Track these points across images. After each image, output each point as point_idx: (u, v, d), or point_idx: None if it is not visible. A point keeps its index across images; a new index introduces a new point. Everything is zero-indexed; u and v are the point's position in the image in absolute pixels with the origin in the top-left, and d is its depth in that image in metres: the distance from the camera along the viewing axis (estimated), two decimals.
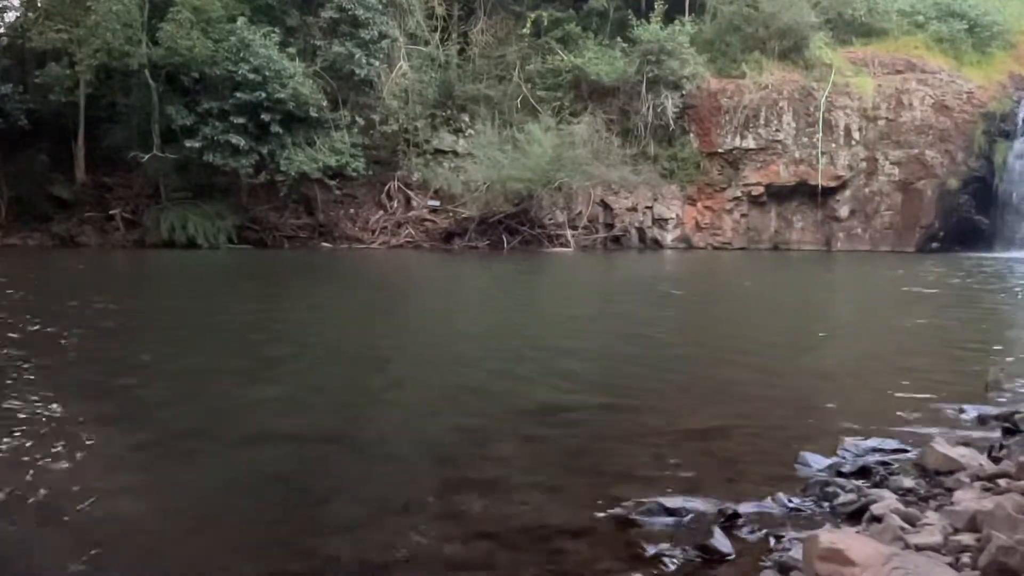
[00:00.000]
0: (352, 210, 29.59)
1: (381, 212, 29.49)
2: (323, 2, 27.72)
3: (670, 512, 3.26)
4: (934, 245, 28.47)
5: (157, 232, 26.06)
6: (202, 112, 25.59)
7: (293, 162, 26.13)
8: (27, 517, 3.22)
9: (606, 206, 29.26)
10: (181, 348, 7.73)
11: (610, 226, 29.32)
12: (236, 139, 25.25)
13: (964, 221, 28.28)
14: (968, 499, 3.14)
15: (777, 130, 29.61)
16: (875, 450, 4.07)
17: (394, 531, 3.14)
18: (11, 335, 7.81)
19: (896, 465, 3.85)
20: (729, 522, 3.16)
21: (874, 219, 29.39)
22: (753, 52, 30.51)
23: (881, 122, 29.23)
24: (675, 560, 2.88)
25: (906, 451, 4.06)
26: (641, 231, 29.55)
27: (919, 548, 2.70)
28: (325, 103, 27.17)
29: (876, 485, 3.55)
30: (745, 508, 3.29)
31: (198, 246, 25.68)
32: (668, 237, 29.58)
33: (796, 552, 2.81)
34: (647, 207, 29.48)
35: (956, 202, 28.33)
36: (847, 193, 29.53)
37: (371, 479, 3.83)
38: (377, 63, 28.01)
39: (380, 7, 27.82)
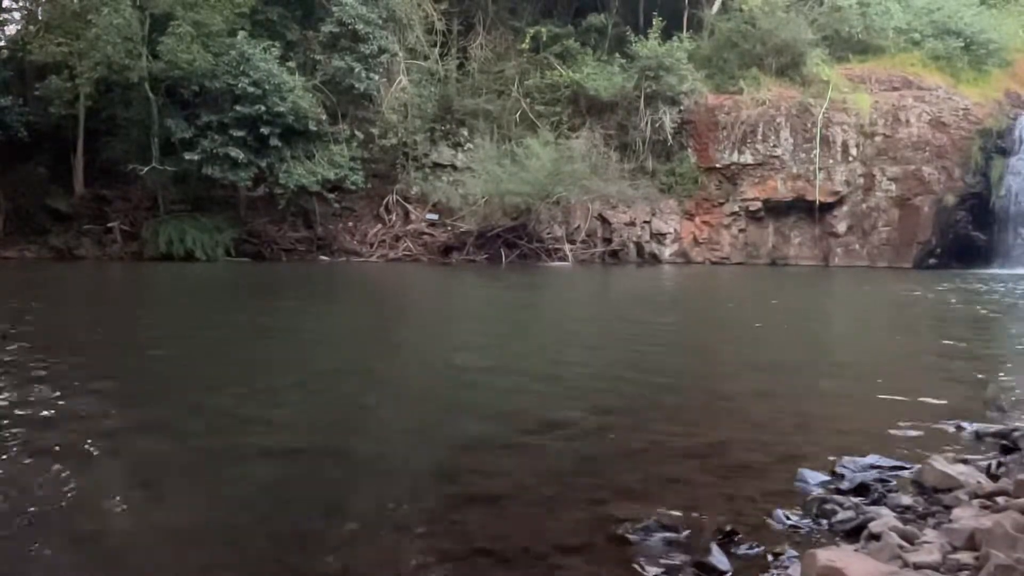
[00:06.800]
0: (351, 223, 29.65)
1: (379, 225, 29.54)
2: (323, 17, 27.91)
3: (668, 529, 3.24)
4: (931, 261, 28.54)
5: (155, 245, 26.04)
6: (201, 125, 25.67)
7: (292, 175, 26.20)
8: (24, 533, 3.20)
9: (604, 220, 29.33)
10: (174, 362, 7.70)
11: (608, 240, 29.37)
12: (235, 152, 25.31)
13: (961, 237, 28.38)
14: (966, 517, 3.12)
15: (775, 146, 29.74)
16: (873, 467, 4.05)
17: (389, 547, 3.13)
18: (7, 347, 7.78)
19: (894, 482, 3.84)
20: (727, 539, 3.14)
21: (871, 235, 29.46)
22: (751, 68, 30.72)
23: (878, 138, 29.37)
24: None
25: (904, 468, 4.05)
26: (639, 246, 29.61)
27: (917, 567, 2.68)
28: (324, 117, 27.29)
29: (874, 502, 3.54)
30: (743, 525, 3.28)
31: (196, 259, 25.67)
32: (666, 252, 29.64)
33: (794, 570, 2.80)
34: (645, 222, 29.56)
35: (953, 218, 28.44)
36: (844, 209, 29.63)
37: (366, 495, 3.81)
38: (377, 77, 28.16)
39: (380, 22, 27.99)
